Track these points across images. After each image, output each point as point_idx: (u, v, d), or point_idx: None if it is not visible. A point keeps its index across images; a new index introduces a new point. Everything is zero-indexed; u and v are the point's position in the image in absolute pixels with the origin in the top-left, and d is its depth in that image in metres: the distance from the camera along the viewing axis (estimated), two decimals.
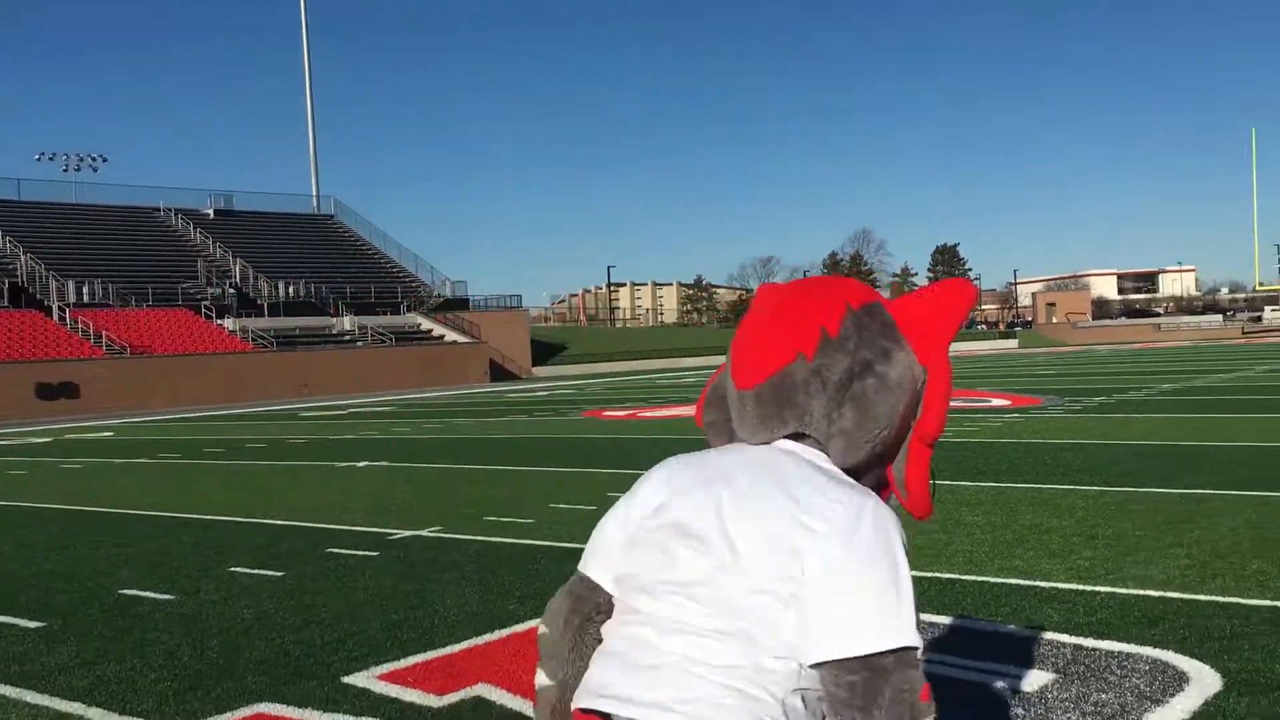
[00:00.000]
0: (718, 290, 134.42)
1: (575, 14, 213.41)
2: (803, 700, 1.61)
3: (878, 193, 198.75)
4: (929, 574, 6.20)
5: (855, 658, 1.55)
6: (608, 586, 1.79)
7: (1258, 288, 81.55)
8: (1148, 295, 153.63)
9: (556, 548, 7.59)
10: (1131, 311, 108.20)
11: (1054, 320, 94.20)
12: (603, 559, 1.81)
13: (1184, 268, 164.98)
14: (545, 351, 64.21)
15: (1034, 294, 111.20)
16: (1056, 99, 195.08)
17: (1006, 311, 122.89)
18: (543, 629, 1.86)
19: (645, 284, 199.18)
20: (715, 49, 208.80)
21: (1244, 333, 73.31)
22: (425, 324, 54.54)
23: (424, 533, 8.45)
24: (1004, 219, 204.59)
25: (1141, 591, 5.60)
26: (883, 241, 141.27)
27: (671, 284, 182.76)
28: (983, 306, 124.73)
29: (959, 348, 64.80)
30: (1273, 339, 60.17)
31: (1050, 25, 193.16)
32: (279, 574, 7.15)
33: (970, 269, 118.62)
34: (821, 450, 1.79)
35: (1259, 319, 79.13)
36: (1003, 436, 13.58)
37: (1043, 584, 5.87)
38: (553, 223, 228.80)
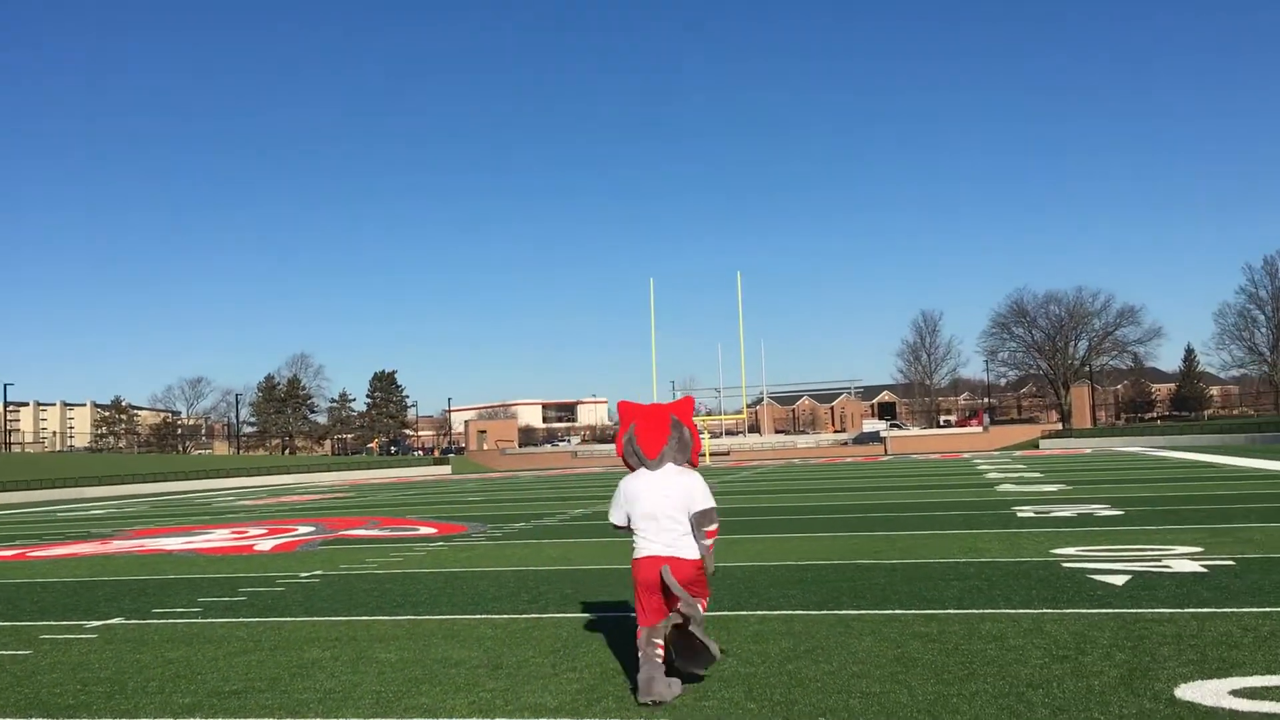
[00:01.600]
0: (140, 412, 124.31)
1: None
2: (693, 526, 6.17)
3: (315, 317, 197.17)
4: None
5: (705, 509, 6.17)
6: (624, 521, 6.37)
7: None
8: (568, 424, 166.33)
9: None
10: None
11: (485, 447, 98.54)
12: (622, 503, 6.36)
13: (598, 399, 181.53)
14: None
15: (467, 421, 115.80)
16: (486, 241, 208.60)
17: (441, 438, 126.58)
18: (620, 517, 6.41)
19: (53, 404, 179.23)
20: (121, 169, 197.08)
21: None
22: None
23: None
24: (439, 349, 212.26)
25: None
26: (321, 366, 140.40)
27: (85, 404, 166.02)
28: (419, 433, 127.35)
29: (397, 474, 68.83)
30: None
31: (465, 179, 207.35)
32: None
33: (408, 395, 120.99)
34: (677, 465, 6.32)
35: None
36: (425, 566, 13.76)
37: None
38: None
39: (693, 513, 6.14)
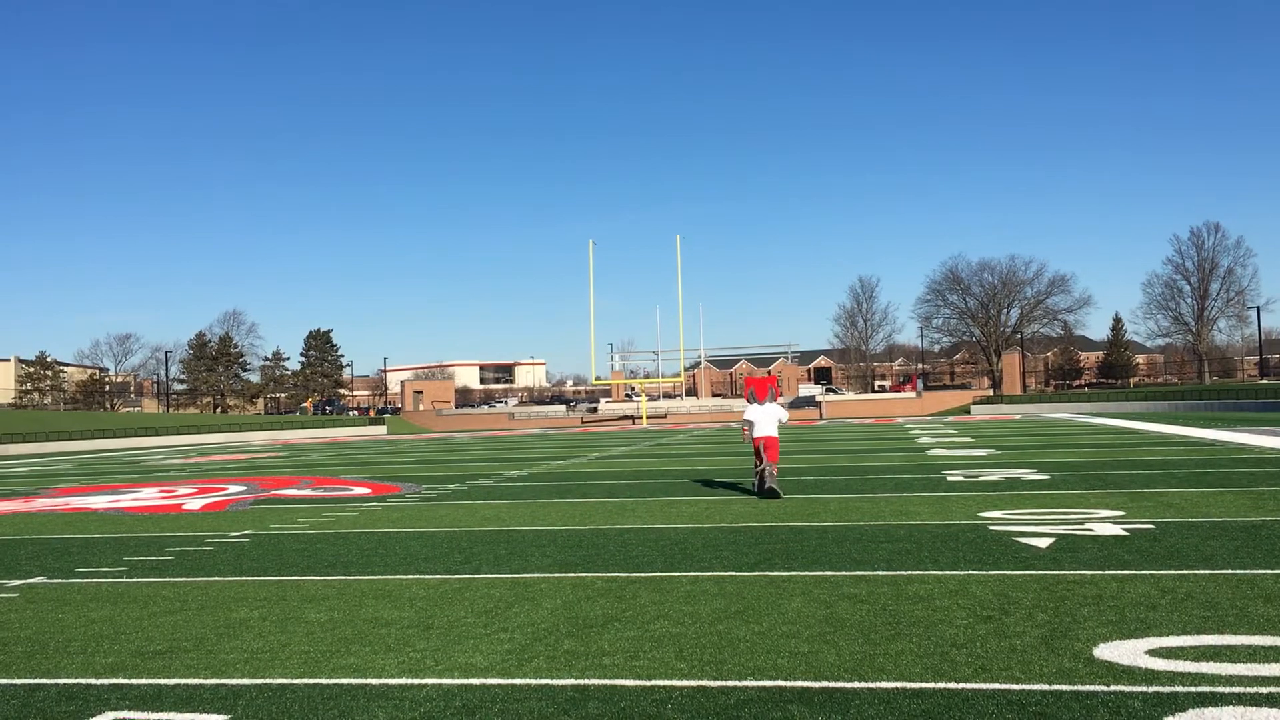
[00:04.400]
0: (66, 368, 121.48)
1: None
2: (779, 423, 16.08)
3: (248, 274, 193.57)
4: (259, 680, 5.95)
5: (784, 418, 16.38)
6: (752, 419, 16.02)
7: (594, 382, 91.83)
8: (505, 385, 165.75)
9: None
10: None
11: (421, 407, 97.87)
12: (749, 417, 16.02)
13: (536, 361, 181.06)
14: None
15: (403, 381, 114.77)
16: (424, 199, 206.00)
17: (377, 398, 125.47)
18: (749, 424, 15.99)
19: None
20: (46, 116, 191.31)
21: (583, 422, 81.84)
22: None
23: None
24: (375, 308, 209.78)
25: (465, 681, 5.84)
26: (254, 324, 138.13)
27: (9, 359, 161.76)
28: (354, 393, 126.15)
29: (331, 434, 68.57)
30: (605, 428, 67.89)
31: (412, 140, 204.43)
32: None
33: (343, 355, 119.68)
34: (773, 402, 16.30)
35: (595, 409, 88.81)
36: (358, 527, 13.66)
37: (374, 681, 5.89)
38: None
39: (781, 420, 15.93)
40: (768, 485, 15.42)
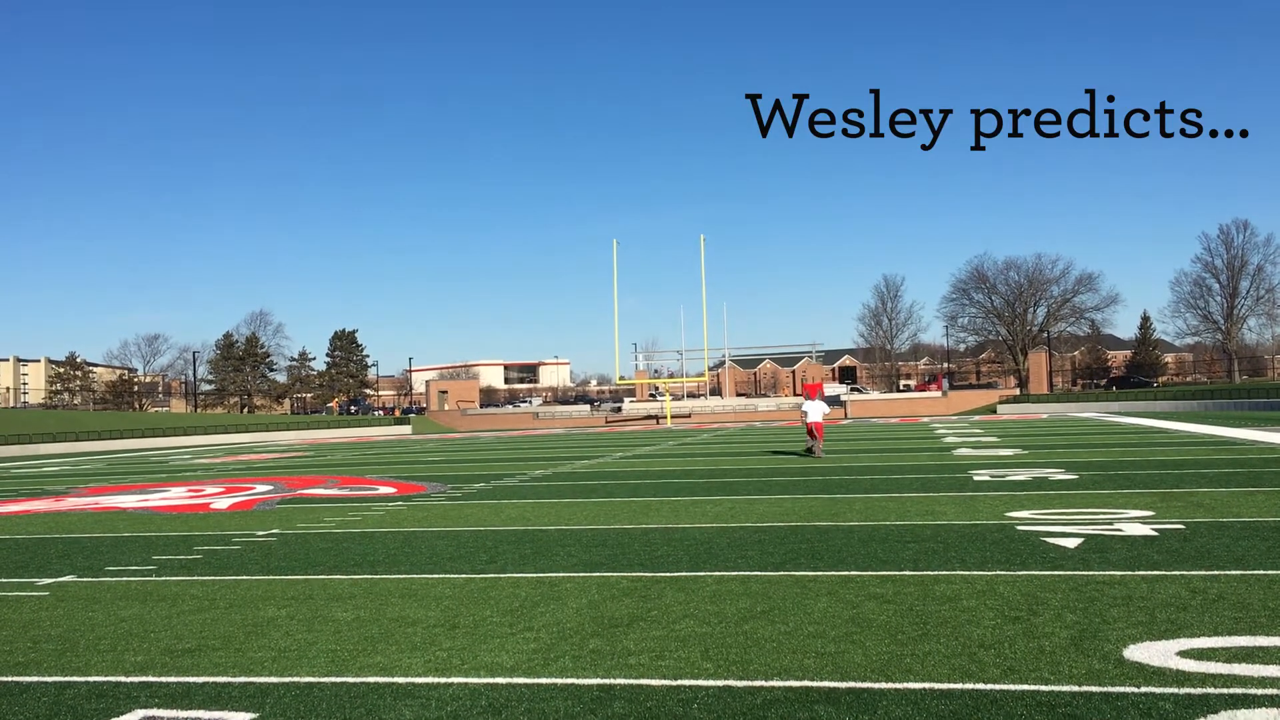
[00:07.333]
0: (95, 369, 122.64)
1: None
2: (823, 414, 26.73)
3: (275, 275, 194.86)
4: (286, 679, 5.98)
5: (829, 411, 28.42)
6: (806, 410, 26.59)
7: (619, 381, 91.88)
8: (529, 385, 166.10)
9: None
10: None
11: (446, 407, 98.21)
12: (804, 409, 26.64)
13: (560, 361, 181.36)
14: None
15: (428, 381, 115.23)
16: (448, 200, 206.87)
17: (402, 398, 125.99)
18: (804, 413, 26.63)
19: (6, 359, 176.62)
20: (77, 122, 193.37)
21: (607, 421, 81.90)
22: None
23: None
24: (400, 309, 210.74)
25: (491, 680, 5.84)
26: (281, 324, 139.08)
27: (39, 360, 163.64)
28: (379, 393, 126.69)
29: (356, 434, 68.89)
30: (630, 428, 67.90)
31: (461, 135, 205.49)
32: None
33: (368, 355, 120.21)
34: (821, 399, 27.28)
35: (619, 409, 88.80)
36: (384, 526, 13.71)
37: (400, 680, 5.91)
38: None
39: (825, 411, 26.62)
40: (814, 450, 25.35)
